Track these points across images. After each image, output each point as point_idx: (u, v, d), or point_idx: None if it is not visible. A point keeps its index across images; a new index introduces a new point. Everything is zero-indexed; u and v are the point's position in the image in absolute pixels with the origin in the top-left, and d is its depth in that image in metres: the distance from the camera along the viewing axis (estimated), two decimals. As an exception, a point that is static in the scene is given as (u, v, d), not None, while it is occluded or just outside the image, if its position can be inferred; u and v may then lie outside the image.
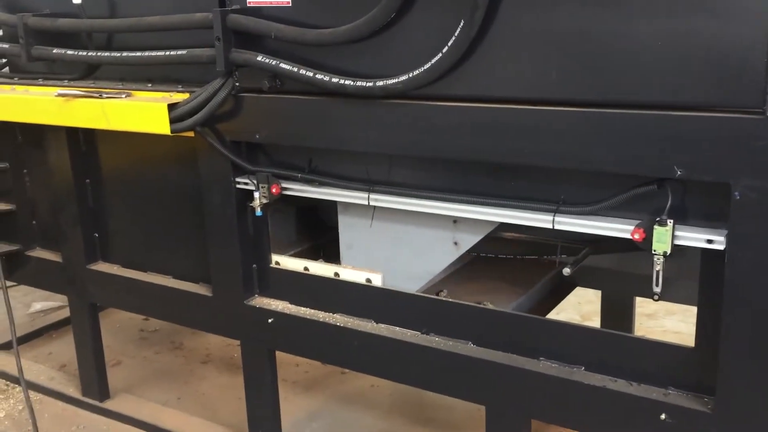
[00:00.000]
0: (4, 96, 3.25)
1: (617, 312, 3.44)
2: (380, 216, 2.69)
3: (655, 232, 2.01)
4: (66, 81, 3.22)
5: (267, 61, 2.47)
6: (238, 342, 4.27)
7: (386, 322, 2.68)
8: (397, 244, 2.72)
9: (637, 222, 2.07)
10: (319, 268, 2.84)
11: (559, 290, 3.15)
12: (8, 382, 4.03)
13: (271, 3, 2.50)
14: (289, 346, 2.92)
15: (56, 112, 3.02)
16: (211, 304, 3.04)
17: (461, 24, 2.08)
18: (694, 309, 2.16)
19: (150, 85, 2.97)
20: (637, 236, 2.05)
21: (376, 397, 3.75)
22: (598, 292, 3.57)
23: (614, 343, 2.28)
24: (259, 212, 2.76)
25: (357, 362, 2.74)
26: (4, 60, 3.64)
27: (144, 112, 2.78)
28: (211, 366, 4.15)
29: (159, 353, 4.34)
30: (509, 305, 2.73)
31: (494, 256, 3.07)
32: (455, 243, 2.66)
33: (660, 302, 2.27)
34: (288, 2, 2.46)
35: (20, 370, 3.47)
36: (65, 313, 4.86)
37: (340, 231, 2.82)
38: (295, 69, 2.42)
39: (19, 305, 5.13)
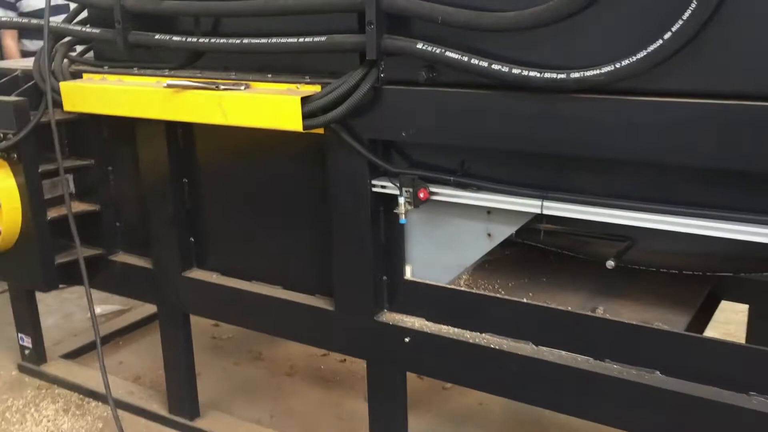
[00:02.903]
0: (97, 86, 2.95)
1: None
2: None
3: None
4: (166, 70, 2.91)
5: (430, 49, 2.16)
6: (322, 352, 4.05)
7: (548, 345, 2.38)
8: (428, 234, 2.55)
9: None
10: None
11: (708, 306, 2.85)
12: (83, 396, 3.73)
13: (431, -18, 2.18)
14: (429, 369, 2.62)
15: (162, 105, 2.71)
16: (333, 319, 2.74)
17: (693, 4, 1.77)
18: None
19: (270, 75, 2.65)
20: None
21: (487, 416, 3.46)
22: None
23: None
24: (403, 219, 2.45)
25: (517, 390, 2.44)
26: (82, 47, 3.34)
27: (272, 106, 2.47)
28: (299, 379, 3.85)
29: (238, 364, 4.04)
30: (680, 325, 2.43)
31: (656, 270, 2.75)
32: (489, 234, 2.45)
33: None
34: (454, -19, 2.14)
35: (107, 385, 3.18)
36: (130, 317, 4.61)
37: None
38: (465, 58, 2.11)
39: (76, 309, 4.86)
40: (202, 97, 2.62)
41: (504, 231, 2.45)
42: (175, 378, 3.36)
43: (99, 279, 3.39)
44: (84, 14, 3.25)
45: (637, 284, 2.77)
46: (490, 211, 2.41)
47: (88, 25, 3.16)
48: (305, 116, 2.43)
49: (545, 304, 2.42)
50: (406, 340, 2.57)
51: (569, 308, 2.40)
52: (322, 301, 2.80)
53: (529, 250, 3.02)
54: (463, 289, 2.58)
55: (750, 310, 3.13)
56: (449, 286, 2.59)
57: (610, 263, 2.43)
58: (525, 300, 2.46)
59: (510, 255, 3.09)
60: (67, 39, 3.23)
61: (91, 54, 3.32)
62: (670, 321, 2.45)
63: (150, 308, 4.53)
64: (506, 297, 2.49)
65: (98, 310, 4.79)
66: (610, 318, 2.35)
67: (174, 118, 2.74)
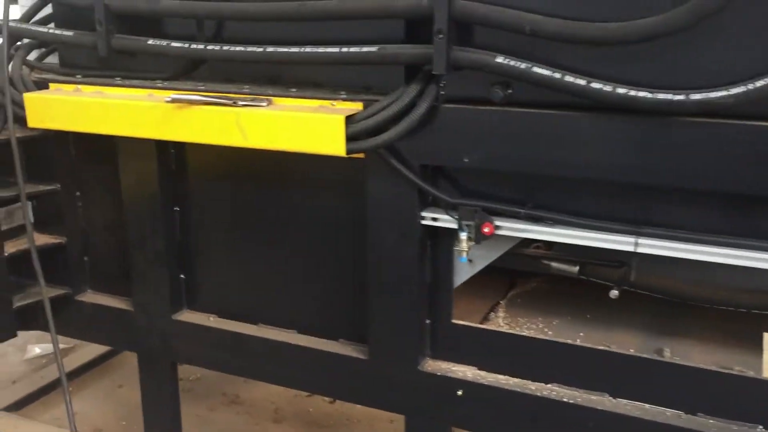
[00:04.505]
0: (72, 99, 2.48)
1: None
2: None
3: None
4: (159, 81, 2.49)
5: (513, 64, 1.86)
6: (306, 392, 3.66)
7: (626, 396, 2.12)
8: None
9: None
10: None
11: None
12: (36, 456, 3.21)
13: (509, -14, 1.88)
14: (484, 426, 2.29)
15: (162, 123, 2.30)
16: (367, 368, 2.38)
17: None
18: None
19: (294, 90, 2.28)
20: None
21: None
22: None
23: None
24: (464, 258, 2.14)
25: (598, 452, 2.16)
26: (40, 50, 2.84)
27: (308, 126, 2.11)
28: (288, 426, 3.45)
29: (214, 410, 3.60)
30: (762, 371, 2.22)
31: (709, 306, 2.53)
32: (470, 261, 2.23)
33: None
34: (539, -14, 1.85)
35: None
36: (78, 358, 4.07)
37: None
38: (557, 75, 1.82)
39: (9, 348, 4.25)
40: (215, 114, 2.22)
41: (486, 257, 2.23)
42: (158, 435, 2.91)
43: (64, 323, 2.87)
44: (43, 13, 2.77)
45: (688, 319, 2.56)
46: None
47: (53, 26, 2.69)
48: (349, 138, 2.08)
49: (619, 351, 2.17)
50: (459, 393, 2.25)
51: (635, 352, 2.16)
52: (351, 347, 2.45)
53: (556, 280, 2.78)
54: (522, 333, 2.29)
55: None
56: (504, 330, 2.31)
57: (614, 293, 2.32)
58: (600, 347, 2.19)
59: (537, 287, 2.83)
60: (23, 41, 2.75)
61: (51, 60, 2.84)
62: (748, 364, 2.24)
63: (96, 347, 4.03)
64: (576, 343, 2.21)
65: (37, 350, 4.24)
66: (694, 365, 2.11)
67: (177, 138, 2.33)
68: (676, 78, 1.77)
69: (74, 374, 3.91)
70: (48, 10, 2.73)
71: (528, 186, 2.10)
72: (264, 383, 3.55)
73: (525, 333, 2.30)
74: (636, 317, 2.55)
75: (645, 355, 2.15)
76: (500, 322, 2.49)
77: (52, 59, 2.83)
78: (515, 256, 2.55)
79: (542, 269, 2.48)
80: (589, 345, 2.18)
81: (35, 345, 4.23)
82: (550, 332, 2.42)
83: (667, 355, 2.25)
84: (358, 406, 3.31)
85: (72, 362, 3.98)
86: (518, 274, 2.84)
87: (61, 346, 4.17)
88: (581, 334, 2.40)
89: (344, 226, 2.38)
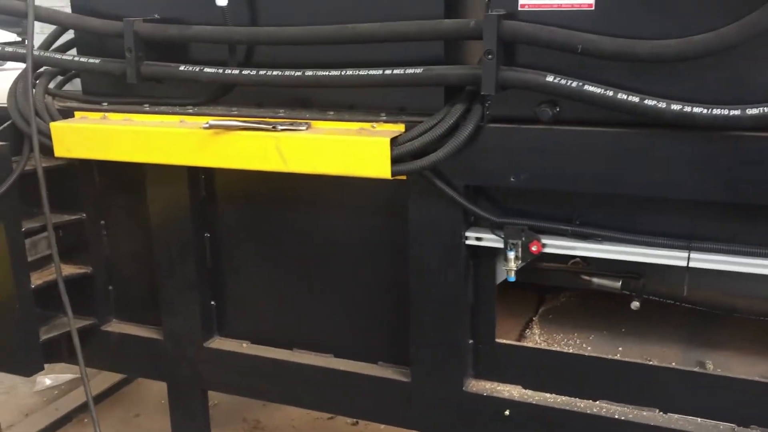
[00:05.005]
0: (102, 128, 2.45)
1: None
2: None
3: None
4: (190, 107, 2.46)
5: (565, 83, 1.86)
6: (327, 414, 3.62)
7: (677, 411, 2.12)
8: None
9: None
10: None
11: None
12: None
13: (560, 6, 1.89)
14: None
15: (198, 149, 2.27)
16: (411, 391, 2.36)
17: None
18: None
19: (332, 113, 2.27)
20: None
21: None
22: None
23: None
24: (512, 277, 2.13)
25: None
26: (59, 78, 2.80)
27: (351, 150, 2.10)
28: (313, 450, 3.42)
29: (237, 436, 3.56)
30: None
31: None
32: None
33: None
34: (590, 4, 1.86)
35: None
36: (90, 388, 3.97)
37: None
38: (610, 93, 1.83)
39: (20, 381, 4.15)
40: (253, 139, 2.20)
41: None
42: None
43: (89, 354, 2.81)
44: (62, 39, 2.75)
45: (721, 330, 2.57)
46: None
47: (75, 53, 2.66)
48: (393, 161, 2.07)
49: (665, 365, 2.17)
50: (507, 413, 2.24)
51: (678, 365, 2.17)
52: (392, 370, 2.43)
53: (585, 294, 2.78)
54: (566, 350, 2.28)
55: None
56: (549, 348, 2.30)
57: (635, 304, 2.32)
58: (645, 361, 2.19)
59: (566, 302, 2.83)
60: (43, 69, 2.71)
61: (69, 87, 2.80)
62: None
63: (110, 375, 3.96)
64: (622, 359, 2.21)
65: (47, 381, 4.15)
66: (741, 377, 2.11)
67: (214, 165, 2.30)
68: (727, 93, 1.78)
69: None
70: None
71: (572, 203, 2.10)
72: (283, 406, 3.54)
73: (567, 350, 2.29)
74: (668, 329, 2.55)
75: (691, 369, 2.16)
76: (537, 339, 2.49)
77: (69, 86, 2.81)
78: (550, 272, 2.56)
79: (580, 285, 2.47)
80: (633, 360, 2.19)
81: (45, 376, 4.14)
82: (588, 348, 2.41)
83: (710, 368, 2.26)
84: (382, 426, 3.28)
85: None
86: (545, 289, 2.85)
87: (70, 376, 4.13)
88: (620, 348, 2.40)
89: (380, 248, 2.37)
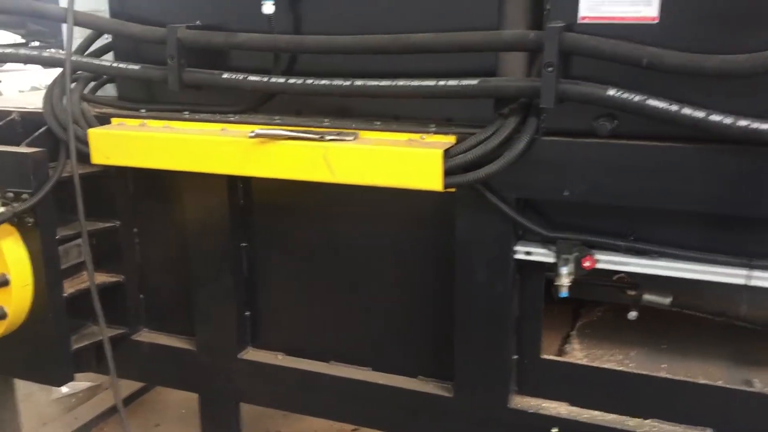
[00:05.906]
0: (142, 135, 2.41)
1: None
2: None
3: None
4: (231, 115, 2.43)
5: (627, 96, 1.83)
6: (351, 426, 3.57)
7: (731, 431, 2.09)
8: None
9: None
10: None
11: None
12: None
13: (622, 18, 1.87)
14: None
15: (243, 158, 2.23)
16: (453, 406, 2.33)
17: None
18: None
19: (378, 123, 2.24)
20: None
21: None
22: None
23: None
24: (564, 293, 2.10)
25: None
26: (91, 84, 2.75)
27: (402, 161, 2.06)
28: (339, 462, 3.37)
29: (260, 448, 3.51)
30: None
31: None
32: None
33: None
34: (654, 17, 1.84)
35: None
36: (108, 397, 3.93)
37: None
38: (674, 108, 1.80)
39: (36, 388, 4.10)
40: (300, 149, 2.17)
41: None
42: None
43: (119, 364, 2.75)
44: (98, 44, 2.71)
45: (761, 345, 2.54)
46: None
47: (112, 58, 2.62)
48: (446, 173, 2.04)
49: (714, 383, 2.13)
50: (554, 431, 2.20)
51: (725, 383, 2.13)
52: (433, 385, 2.39)
53: (621, 308, 2.75)
54: (617, 368, 2.24)
55: None
56: (596, 365, 2.26)
57: (633, 314, 2.33)
58: (696, 380, 2.16)
59: (603, 316, 2.80)
60: (78, 74, 2.68)
61: (103, 92, 2.76)
62: None
63: (130, 384, 3.90)
64: (671, 377, 2.17)
65: (64, 389, 4.09)
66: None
67: (259, 174, 2.26)
68: (793, 110, 1.76)
69: (107, 414, 3.78)
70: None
71: (626, 217, 2.07)
72: (305, 417, 3.49)
73: (611, 366, 2.26)
74: (710, 346, 2.52)
75: (742, 388, 2.13)
76: (578, 355, 2.45)
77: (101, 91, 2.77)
78: (593, 287, 2.52)
79: (625, 300, 2.44)
80: (682, 378, 2.15)
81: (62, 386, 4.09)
82: (631, 364, 2.38)
83: (759, 386, 2.23)
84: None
85: (104, 402, 3.86)
86: (579, 303, 2.82)
87: (87, 384, 4.08)
88: (664, 365, 2.37)
89: (422, 260, 2.34)
